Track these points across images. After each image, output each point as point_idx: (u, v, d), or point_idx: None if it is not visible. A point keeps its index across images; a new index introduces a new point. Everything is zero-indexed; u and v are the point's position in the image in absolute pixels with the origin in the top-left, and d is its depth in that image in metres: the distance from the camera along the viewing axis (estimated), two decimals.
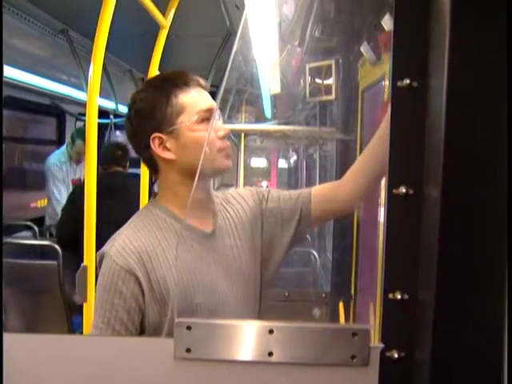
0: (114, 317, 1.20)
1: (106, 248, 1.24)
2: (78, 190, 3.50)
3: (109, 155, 3.50)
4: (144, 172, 2.67)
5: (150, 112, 1.25)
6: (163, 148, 1.25)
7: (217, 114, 1.29)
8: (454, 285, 0.70)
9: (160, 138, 1.25)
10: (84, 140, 4.47)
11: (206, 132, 1.23)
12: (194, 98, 1.26)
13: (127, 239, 1.23)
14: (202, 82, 1.30)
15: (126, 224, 1.30)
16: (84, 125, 2.67)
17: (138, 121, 1.29)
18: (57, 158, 4.58)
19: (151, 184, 2.86)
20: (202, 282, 1.24)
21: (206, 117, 1.25)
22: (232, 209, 1.36)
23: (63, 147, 4.67)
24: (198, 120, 1.24)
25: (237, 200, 1.38)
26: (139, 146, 1.29)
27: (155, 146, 1.25)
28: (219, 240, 1.30)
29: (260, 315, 1.34)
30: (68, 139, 4.70)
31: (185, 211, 1.27)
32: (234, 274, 1.29)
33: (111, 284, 1.20)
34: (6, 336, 0.80)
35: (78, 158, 4.53)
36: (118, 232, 1.27)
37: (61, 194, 4.50)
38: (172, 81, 1.27)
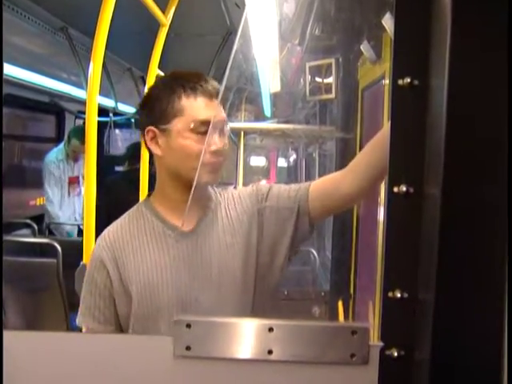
0: (93, 304, 1.29)
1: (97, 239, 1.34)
2: (108, 184, 4.08)
3: (136, 153, 3.60)
4: (144, 169, 2.67)
5: (151, 105, 1.29)
6: (155, 143, 1.28)
7: (215, 128, 1.27)
8: (454, 283, 0.70)
9: (154, 132, 1.28)
10: (79, 138, 4.60)
11: (195, 142, 1.24)
12: (195, 106, 1.25)
13: (109, 233, 1.32)
14: (211, 90, 1.27)
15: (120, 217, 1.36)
16: (83, 123, 2.68)
17: (141, 111, 1.34)
18: (55, 155, 4.63)
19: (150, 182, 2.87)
20: (170, 280, 1.26)
21: (202, 128, 1.24)
22: (227, 209, 1.36)
23: (61, 145, 4.71)
24: (192, 129, 1.24)
25: (235, 201, 1.37)
26: (141, 136, 1.34)
27: (148, 138, 1.29)
28: (200, 239, 1.30)
29: (254, 314, 1.31)
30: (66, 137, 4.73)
31: (169, 211, 1.31)
32: (215, 274, 1.28)
33: (89, 273, 1.30)
34: (6, 334, 0.80)
35: (74, 156, 4.60)
36: (111, 224, 1.35)
37: (54, 194, 4.52)
38: (181, 82, 1.27)
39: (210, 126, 1.23)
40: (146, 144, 1.31)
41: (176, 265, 1.27)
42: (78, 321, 1.32)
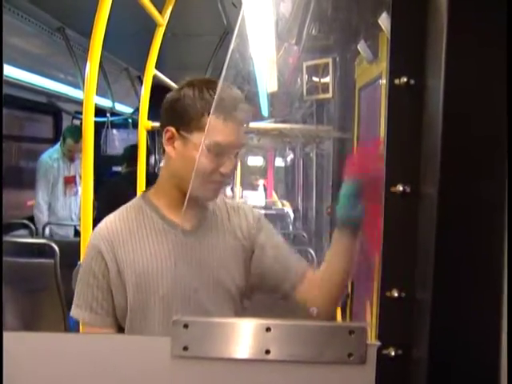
0: (90, 295, 1.27)
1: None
2: (109, 185, 4.24)
3: (134, 155, 3.62)
4: (141, 170, 2.67)
5: (178, 107, 1.26)
6: (171, 143, 1.28)
7: (231, 153, 1.27)
8: (451, 282, 0.70)
9: (173, 133, 1.27)
10: (73, 138, 4.62)
11: (208, 160, 1.23)
12: (221, 129, 1.23)
13: (106, 224, 1.31)
14: (243, 117, 1.27)
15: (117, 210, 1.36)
16: (80, 123, 2.68)
17: (166, 109, 1.31)
18: (49, 154, 4.64)
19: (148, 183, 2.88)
20: (170, 272, 1.27)
21: (219, 149, 1.23)
22: (229, 214, 1.38)
23: (57, 145, 4.72)
24: (209, 148, 1.23)
25: (240, 212, 1.40)
26: (161, 132, 1.33)
27: (166, 137, 1.28)
28: (199, 237, 1.32)
29: (244, 314, 1.35)
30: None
31: (168, 207, 1.32)
32: (214, 271, 1.30)
33: (87, 263, 1.29)
34: (6, 335, 0.80)
35: (70, 156, 4.61)
36: (107, 216, 1.34)
37: (43, 196, 4.50)
38: (216, 97, 1.24)
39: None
40: (162, 141, 1.31)
41: (175, 259, 1.28)
42: (73, 313, 1.30)
